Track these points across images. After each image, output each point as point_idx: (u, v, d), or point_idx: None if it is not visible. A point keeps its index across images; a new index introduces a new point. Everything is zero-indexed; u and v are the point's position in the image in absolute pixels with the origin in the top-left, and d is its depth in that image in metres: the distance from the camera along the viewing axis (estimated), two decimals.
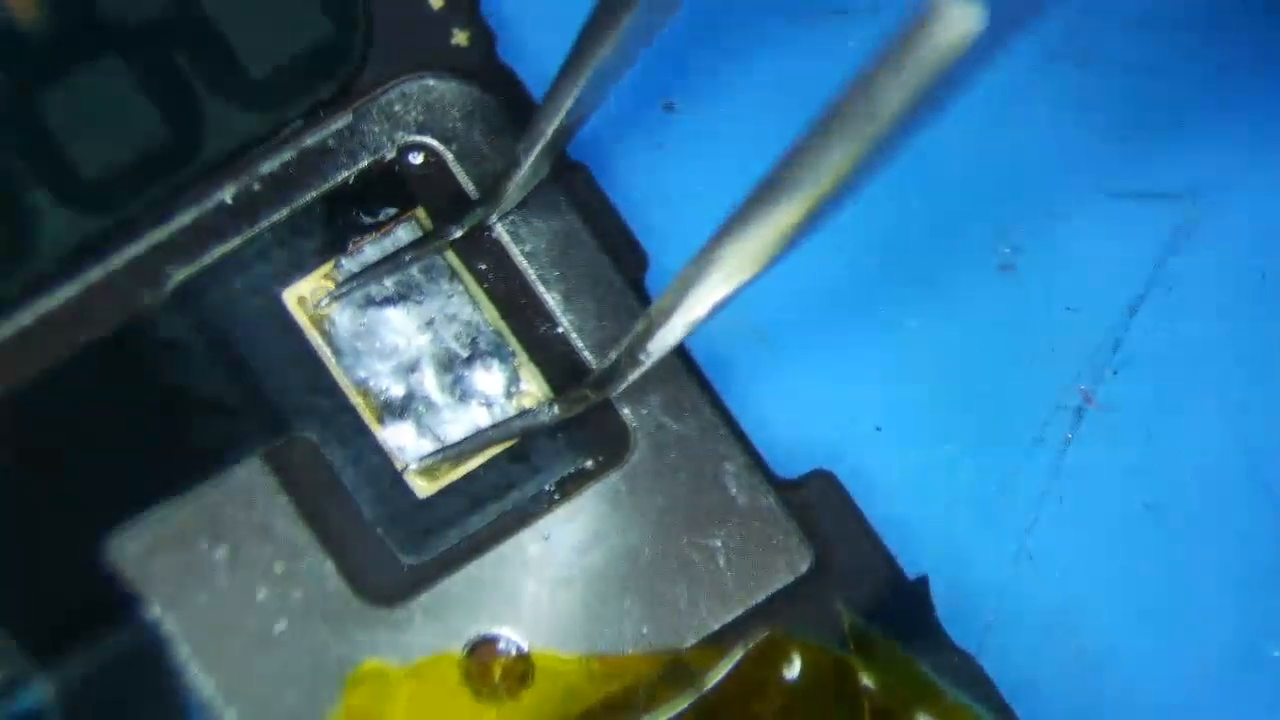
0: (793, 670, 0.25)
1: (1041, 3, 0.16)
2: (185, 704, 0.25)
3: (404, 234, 0.27)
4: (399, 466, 0.26)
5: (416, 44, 0.27)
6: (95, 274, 0.26)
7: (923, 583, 0.26)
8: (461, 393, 0.26)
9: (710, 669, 0.25)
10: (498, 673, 0.25)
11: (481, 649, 0.25)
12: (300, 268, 0.27)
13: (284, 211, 0.26)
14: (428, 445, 0.26)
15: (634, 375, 0.24)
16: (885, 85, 0.16)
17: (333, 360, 0.26)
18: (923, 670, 0.25)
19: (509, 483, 0.26)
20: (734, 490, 0.26)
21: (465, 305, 0.27)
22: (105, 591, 0.25)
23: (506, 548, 0.26)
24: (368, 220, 0.27)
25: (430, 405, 0.26)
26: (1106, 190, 0.29)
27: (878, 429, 0.28)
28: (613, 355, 0.24)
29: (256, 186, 0.26)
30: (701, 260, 0.21)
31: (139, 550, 0.25)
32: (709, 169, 0.28)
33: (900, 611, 0.26)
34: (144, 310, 0.26)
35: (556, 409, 0.26)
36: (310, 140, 0.26)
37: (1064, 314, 0.28)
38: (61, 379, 0.26)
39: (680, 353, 0.26)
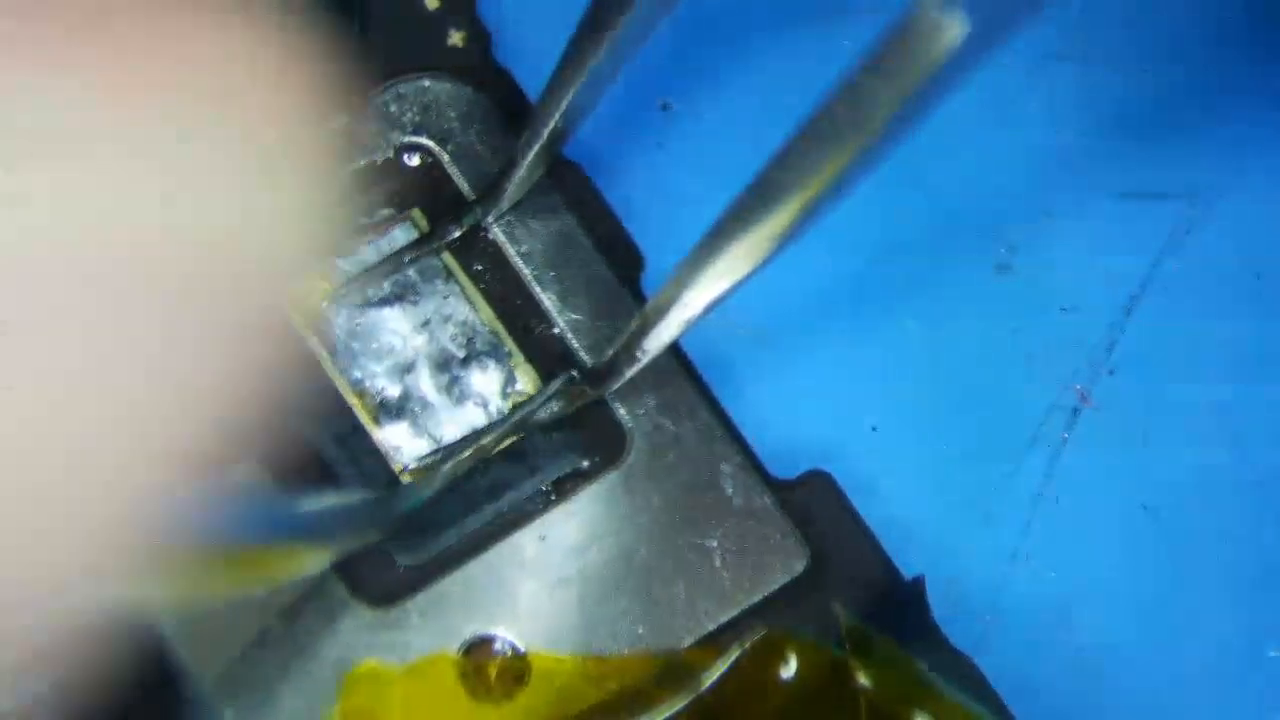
0: (789, 670, 0.25)
1: (1024, 13, 0.16)
2: (183, 704, 0.25)
3: (400, 234, 0.27)
4: (395, 467, 0.26)
5: (412, 44, 0.27)
6: None
7: (919, 583, 0.26)
8: (458, 393, 0.26)
9: (707, 669, 0.25)
10: (494, 673, 0.25)
11: (478, 649, 0.25)
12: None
13: None
14: (424, 445, 0.26)
15: (631, 371, 0.24)
16: (871, 92, 0.16)
17: (329, 360, 0.26)
18: (920, 669, 0.25)
19: (505, 483, 0.26)
20: (730, 490, 0.26)
21: (461, 305, 0.27)
22: None
23: (503, 548, 0.26)
24: (364, 221, 0.27)
25: (426, 405, 0.26)
26: (1103, 191, 0.29)
27: (874, 429, 0.28)
28: (610, 351, 0.24)
29: None
30: (697, 257, 0.21)
31: None
32: (706, 169, 0.28)
33: (897, 611, 0.26)
34: None
35: (556, 405, 0.26)
36: None
37: (1060, 314, 0.28)
38: None
39: (677, 353, 0.26)
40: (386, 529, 0.25)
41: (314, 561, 0.20)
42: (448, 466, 0.26)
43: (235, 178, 0.11)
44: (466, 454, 0.26)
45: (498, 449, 0.26)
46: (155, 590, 0.14)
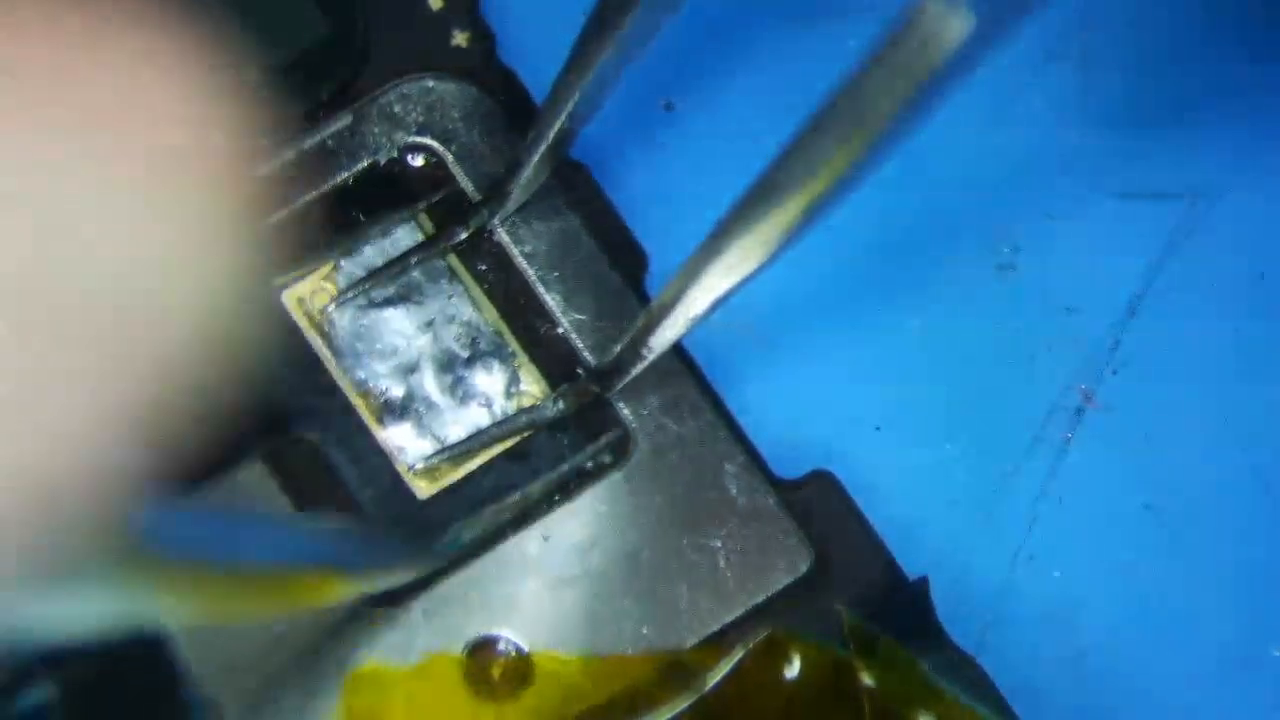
0: (793, 670, 0.25)
1: (1029, 5, 0.16)
2: (185, 703, 0.25)
3: (403, 234, 0.27)
4: (399, 467, 0.26)
5: (416, 45, 0.27)
6: None
7: (923, 583, 0.26)
8: (462, 393, 0.26)
9: (710, 669, 0.25)
10: (497, 673, 0.25)
11: (481, 649, 0.25)
12: (300, 269, 0.27)
13: (283, 213, 0.26)
14: (428, 446, 0.26)
15: (636, 370, 0.24)
16: (875, 89, 0.16)
17: (332, 361, 0.26)
18: (923, 670, 0.25)
19: (509, 483, 0.26)
20: (734, 491, 0.26)
21: (465, 306, 0.27)
22: None
23: (506, 548, 0.26)
24: (368, 221, 0.27)
25: (430, 406, 0.26)
26: (1106, 190, 0.29)
27: (877, 429, 0.28)
28: (616, 349, 0.24)
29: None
30: (701, 256, 0.21)
31: None
32: (709, 168, 0.28)
33: (900, 611, 0.26)
34: None
35: (561, 403, 0.26)
36: (310, 141, 0.26)
37: (1063, 314, 0.28)
38: None
39: (680, 353, 0.26)
40: (422, 567, 0.25)
41: (340, 593, 0.19)
42: (490, 510, 0.26)
43: (123, 213, 0.10)
44: (513, 499, 0.26)
45: (501, 449, 0.26)
46: (154, 606, 0.14)
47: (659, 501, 0.26)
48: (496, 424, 0.26)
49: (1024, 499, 0.28)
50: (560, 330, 0.26)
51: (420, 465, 0.26)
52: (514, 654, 0.25)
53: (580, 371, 0.26)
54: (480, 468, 0.26)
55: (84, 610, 0.12)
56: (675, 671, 0.25)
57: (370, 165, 0.26)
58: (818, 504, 0.26)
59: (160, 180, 0.10)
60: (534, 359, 0.27)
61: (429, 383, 0.26)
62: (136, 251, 0.10)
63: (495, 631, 0.25)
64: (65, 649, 0.25)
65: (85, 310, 0.10)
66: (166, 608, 0.14)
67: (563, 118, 0.24)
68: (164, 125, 0.10)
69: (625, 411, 0.26)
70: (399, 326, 0.26)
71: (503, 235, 0.26)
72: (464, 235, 0.26)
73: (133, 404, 0.10)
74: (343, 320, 0.26)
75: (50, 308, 0.09)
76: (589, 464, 0.26)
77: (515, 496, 0.26)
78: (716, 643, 0.25)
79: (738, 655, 0.25)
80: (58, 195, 0.09)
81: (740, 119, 0.29)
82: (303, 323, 0.26)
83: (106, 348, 0.10)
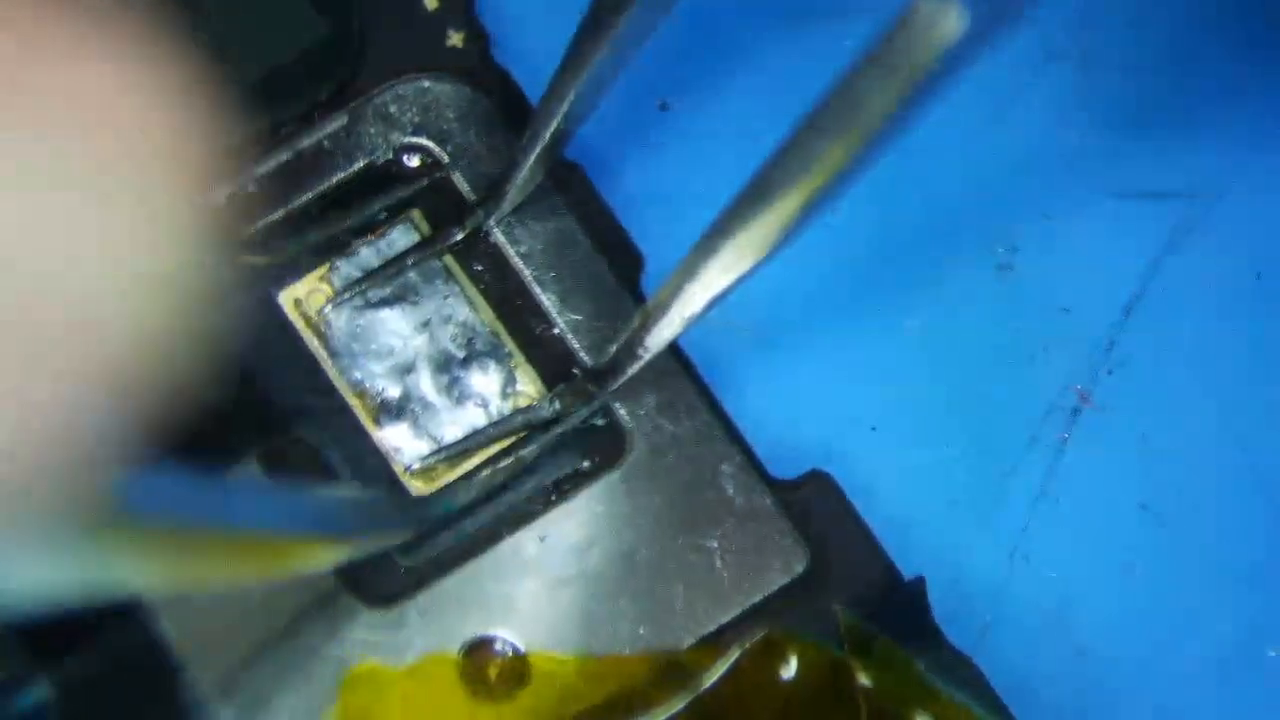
0: (789, 670, 0.25)
1: (1021, 4, 0.16)
2: (183, 704, 0.25)
3: (399, 235, 0.27)
4: (396, 468, 0.26)
5: (412, 45, 0.27)
6: None
7: (919, 583, 0.26)
8: (458, 394, 0.26)
9: (707, 669, 0.25)
10: (494, 673, 0.25)
11: (478, 649, 0.25)
12: (296, 269, 0.27)
13: (279, 213, 0.26)
14: (424, 446, 0.26)
15: (632, 370, 0.24)
16: (870, 85, 0.16)
17: (329, 362, 0.26)
18: (920, 670, 0.25)
19: (505, 483, 0.26)
20: (730, 491, 0.26)
21: (461, 306, 0.27)
22: None
23: (503, 548, 0.26)
24: (363, 221, 0.27)
25: (427, 406, 0.26)
26: (1104, 190, 0.29)
27: (874, 429, 0.28)
28: (611, 349, 0.24)
29: (251, 188, 0.26)
30: (697, 255, 0.21)
31: None
32: (704, 168, 0.28)
33: (897, 612, 0.26)
34: None
35: (557, 404, 0.26)
36: (306, 142, 0.26)
37: (1060, 314, 0.28)
38: None
39: (677, 354, 0.26)
40: (413, 531, 0.25)
41: (327, 557, 0.19)
42: (485, 474, 0.26)
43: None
44: (505, 463, 0.26)
45: (498, 449, 0.26)
46: (130, 571, 0.14)
47: (656, 502, 0.26)
48: (493, 424, 0.26)
49: (1021, 499, 0.28)
50: (556, 330, 0.26)
51: (417, 465, 0.26)
52: (511, 654, 0.25)
53: (576, 372, 0.26)
54: (477, 467, 0.26)
55: (55, 575, 0.12)
56: (672, 672, 0.25)
57: (366, 166, 0.27)
58: (815, 504, 0.26)
59: (109, 174, 0.10)
60: (530, 359, 0.27)
61: (425, 383, 0.26)
62: (87, 244, 0.10)
63: (492, 632, 0.25)
64: (51, 631, 0.25)
65: (38, 299, 0.10)
66: (143, 572, 0.14)
67: (558, 118, 0.24)
68: (115, 120, 0.10)
69: (622, 412, 0.26)
70: (395, 327, 0.26)
71: (499, 236, 0.26)
72: (460, 236, 0.26)
73: (99, 377, 0.10)
74: (339, 321, 0.26)
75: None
76: (585, 464, 0.26)
77: (511, 489, 0.26)
78: (713, 643, 0.25)
79: (734, 655, 0.25)
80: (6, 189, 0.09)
81: (735, 119, 0.29)
82: (299, 323, 0.26)
83: (66, 331, 0.10)
